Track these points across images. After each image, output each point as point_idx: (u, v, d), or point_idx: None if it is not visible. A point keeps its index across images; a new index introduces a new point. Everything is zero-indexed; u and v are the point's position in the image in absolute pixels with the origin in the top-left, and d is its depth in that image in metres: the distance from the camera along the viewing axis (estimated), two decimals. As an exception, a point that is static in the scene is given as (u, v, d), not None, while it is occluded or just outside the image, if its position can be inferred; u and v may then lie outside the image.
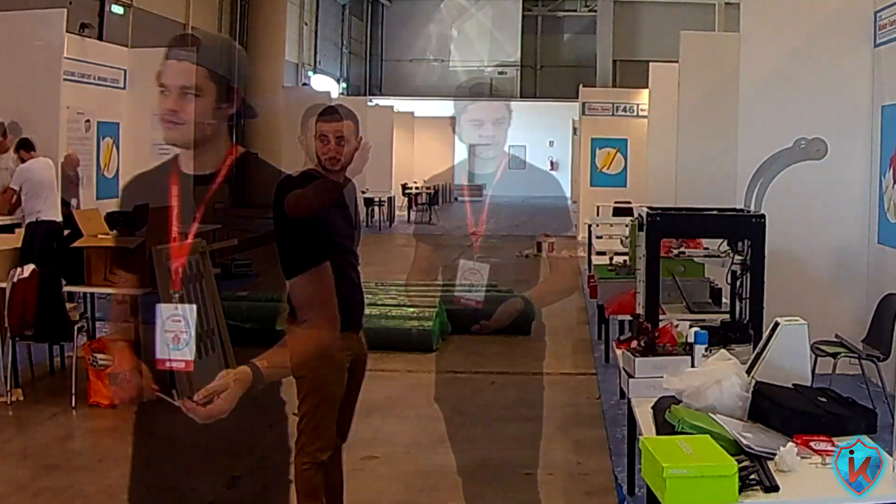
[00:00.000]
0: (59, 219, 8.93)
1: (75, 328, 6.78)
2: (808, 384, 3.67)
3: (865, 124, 7.47)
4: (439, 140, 30.16)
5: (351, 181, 4.07)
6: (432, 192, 25.48)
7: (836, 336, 6.41)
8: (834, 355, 6.14)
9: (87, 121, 11.03)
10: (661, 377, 3.74)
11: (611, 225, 12.45)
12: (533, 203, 30.83)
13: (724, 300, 6.09)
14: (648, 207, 5.64)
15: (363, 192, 21.28)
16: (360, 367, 4.15)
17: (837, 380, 5.79)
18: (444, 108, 33.59)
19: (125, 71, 11.82)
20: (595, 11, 37.80)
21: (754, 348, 4.15)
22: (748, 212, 6.56)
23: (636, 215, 6.62)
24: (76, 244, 6.78)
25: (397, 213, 23.93)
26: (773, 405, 3.31)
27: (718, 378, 3.39)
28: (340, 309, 2.90)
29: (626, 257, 7.47)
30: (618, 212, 14.17)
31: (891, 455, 2.89)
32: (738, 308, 5.17)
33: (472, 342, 8.85)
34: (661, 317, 5.17)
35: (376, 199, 21.73)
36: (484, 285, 4.09)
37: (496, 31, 38.87)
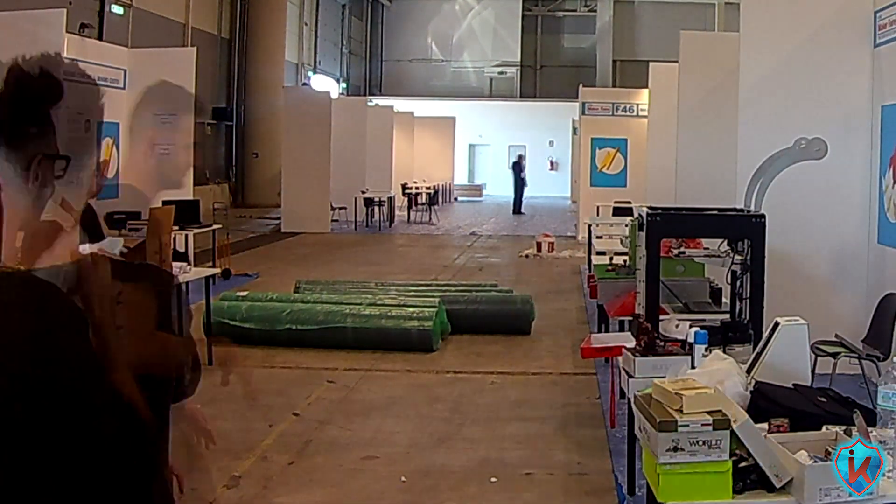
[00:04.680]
0: None
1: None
2: (808, 384, 3.68)
3: (865, 124, 7.47)
4: (439, 140, 30.18)
5: None
6: (432, 192, 25.49)
7: (836, 336, 6.41)
8: (834, 355, 6.14)
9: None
10: (661, 377, 3.74)
11: (611, 225, 12.45)
12: (532, 203, 30.87)
13: (724, 300, 6.10)
14: (648, 207, 5.64)
15: (363, 192, 21.29)
16: None
17: (837, 380, 5.79)
18: (444, 108, 33.65)
19: (125, 71, 11.82)
20: (595, 11, 37.81)
21: (754, 348, 4.16)
22: (748, 212, 6.56)
23: (636, 215, 6.63)
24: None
25: (397, 212, 23.93)
26: (773, 405, 3.32)
27: (720, 378, 3.39)
28: None
29: (626, 257, 7.47)
30: (618, 212, 14.17)
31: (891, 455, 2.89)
32: (738, 308, 5.17)
33: (472, 342, 8.87)
34: (661, 317, 5.18)
35: (376, 199, 21.73)
36: None
37: (496, 31, 38.88)
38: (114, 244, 4.01)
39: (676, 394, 2.95)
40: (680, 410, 2.89)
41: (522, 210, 26.67)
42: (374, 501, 5.04)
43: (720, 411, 2.91)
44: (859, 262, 7.47)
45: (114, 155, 11.73)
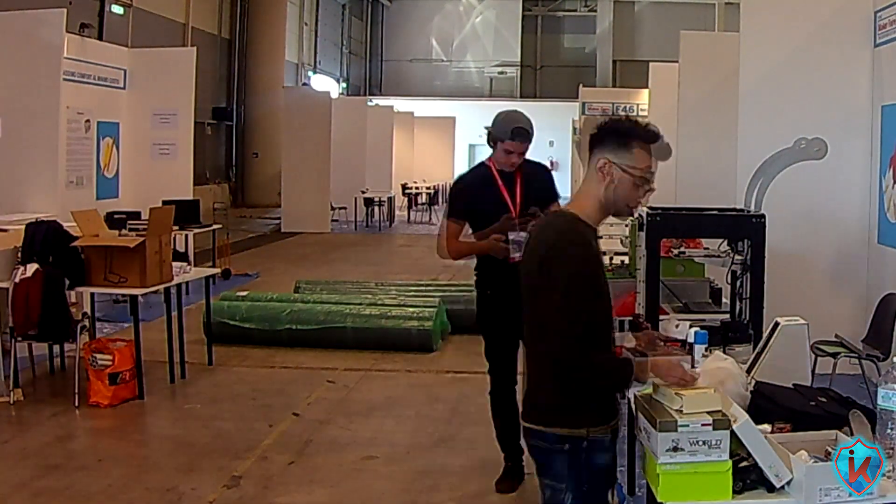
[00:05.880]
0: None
1: (78, 327, 6.78)
2: (808, 384, 3.67)
3: (865, 124, 7.47)
4: (439, 140, 30.18)
5: None
6: (432, 191, 25.47)
7: (836, 336, 6.41)
8: (834, 355, 6.14)
9: (87, 121, 11.01)
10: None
11: (611, 225, 12.42)
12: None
13: (724, 300, 6.09)
14: (648, 207, 5.64)
15: (363, 192, 21.28)
16: None
17: (837, 380, 5.79)
18: (444, 108, 33.64)
19: (125, 71, 11.82)
20: (595, 11, 37.80)
21: (754, 348, 4.16)
22: (748, 212, 6.56)
23: (636, 215, 6.62)
24: (75, 243, 6.78)
25: (397, 212, 23.93)
26: (772, 405, 3.32)
27: (720, 378, 3.39)
28: None
29: (625, 257, 7.47)
30: (618, 212, 14.16)
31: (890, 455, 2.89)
32: (738, 308, 5.17)
33: (472, 342, 8.85)
34: (661, 317, 5.17)
35: (376, 199, 21.73)
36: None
37: (496, 31, 38.87)
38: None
39: (676, 394, 2.95)
40: (680, 411, 2.89)
41: None
42: (374, 501, 5.04)
43: (720, 411, 2.91)
44: (859, 262, 7.47)
45: (114, 154, 11.73)
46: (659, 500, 2.85)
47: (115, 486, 5.09)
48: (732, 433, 2.86)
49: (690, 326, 4.29)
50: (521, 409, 3.09)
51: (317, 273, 12.78)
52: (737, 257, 5.19)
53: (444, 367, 7.94)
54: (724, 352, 4.11)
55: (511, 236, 4.80)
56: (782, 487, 2.85)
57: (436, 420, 6.46)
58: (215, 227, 12.66)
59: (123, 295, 7.63)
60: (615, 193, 2.90)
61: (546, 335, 2.82)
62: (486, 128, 4.97)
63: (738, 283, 5.15)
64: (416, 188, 25.49)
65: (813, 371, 4.48)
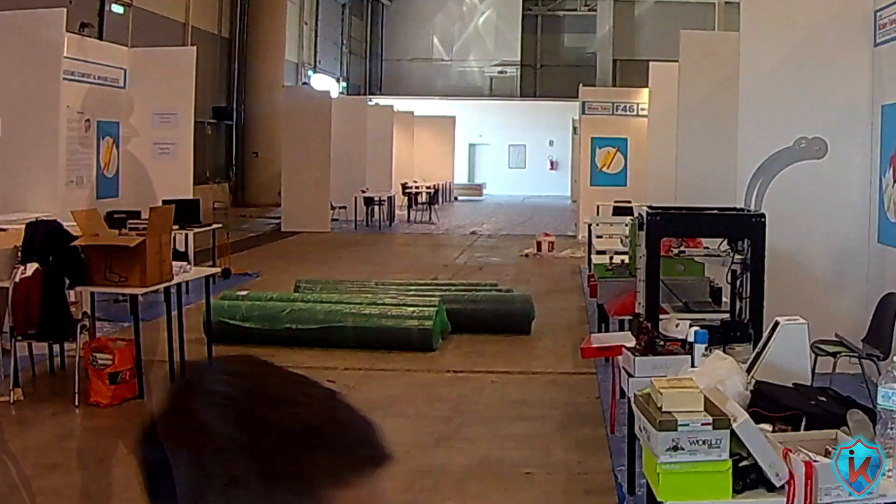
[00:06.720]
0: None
1: (78, 327, 6.78)
2: (808, 383, 3.68)
3: (865, 124, 7.47)
4: (439, 140, 30.18)
5: None
6: (432, 191, 25.46)
7: (836, 335, 6.41)
8: (834, 355, 6.14)
9: (87, 120, 11.01)
10: (662, 376, 3.74)
11: (611, 224, 12.45)
12: (532, 202, 30.89)
13: (724, 300, 6.10)
14: (648, 207, 5.64)
15: (363, 192, 21.28)
16: None
17: (837, 379, 5.79)
18: (444, 107, 33.63)
19: (125, 70, 11.82)
20: (595, 11, 37.80)
21: (754, 348, 4.16)
22: (748, 211, 6.56)
23: (636, 215, 6.63)
24: (75, 243, 6.78)
25: (397, 212, 23.93)
26: (772, 404, 3.32)
27: (720, 378, 3.39)
28: None
29: (625, 257, 7.48)
30: (618, 211, 14.18)
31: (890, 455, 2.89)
32: (738, 307, 5.17)
33: (472, 342, 8.86)
34: (661, 316, 5.17)
35: (376, 199, 21.71)
36: None
37: (496, 31, 38.87)
38: None
39: (659, 392, 2.96)
40: (660, 409, 2.90)
41: None
42: (373, 501, 5.03)
43: (719, 410, 2.92)
44: (859, 261, 7.47)
45: (114, 154, 11.73)
46: (659, 499, 2.85)
47: (115, 485, 5.09)
48: (732, 432, 2.87)
49: (690, 326, 4.30)
50: None
51: (317, 272, 12.78)
52: (737, 257, 5.20)
53: (444, 366, 7.94)
54: (724, 351, 4.12)
55: None
56: (782, 487, 2.85)
57: (436, 420, 6.46)
58: (215, 226, 12.66)
59: (123, 294, 7.64)
60: None
61: None
62: None
63: (738, 283, 5.15)
64: (416, 188, 25.47)
65: (813, 370, 4.49)
